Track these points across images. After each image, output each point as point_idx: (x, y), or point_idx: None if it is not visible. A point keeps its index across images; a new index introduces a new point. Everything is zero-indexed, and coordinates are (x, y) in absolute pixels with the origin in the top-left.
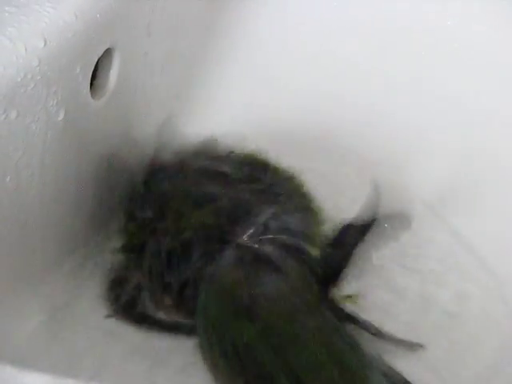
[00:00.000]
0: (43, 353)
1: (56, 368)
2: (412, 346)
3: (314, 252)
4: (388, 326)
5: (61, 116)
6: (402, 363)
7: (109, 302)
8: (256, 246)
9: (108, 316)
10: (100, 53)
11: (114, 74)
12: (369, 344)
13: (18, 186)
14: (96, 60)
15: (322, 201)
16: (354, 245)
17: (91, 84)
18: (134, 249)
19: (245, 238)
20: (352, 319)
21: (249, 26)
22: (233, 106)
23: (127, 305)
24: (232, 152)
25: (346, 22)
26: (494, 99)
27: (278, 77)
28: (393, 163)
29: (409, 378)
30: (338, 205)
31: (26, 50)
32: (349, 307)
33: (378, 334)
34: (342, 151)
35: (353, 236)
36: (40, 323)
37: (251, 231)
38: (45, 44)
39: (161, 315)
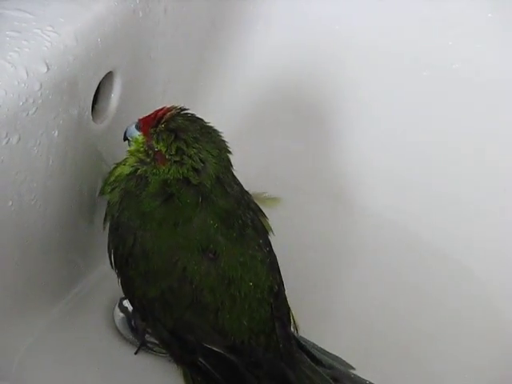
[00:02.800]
0: (42, 381)
1: None
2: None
3: None
4: None
5: (62, 140)
6: None
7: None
8: None
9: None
10: (101, 76)
11: (115, 98)
12: None
13: (21, 210)
14: (97, 84)
15: None
16: None
17: (93, 108)
18: None
19: None
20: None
21: (251, 46)
22: (234, 127)
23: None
24: None
25: (353, 25)
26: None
27: (284, 88)
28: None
29: None
30: None
31: (27, 74)
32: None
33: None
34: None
35: None
36: (39, 350)
37: None
38: (46, 68)
39: None
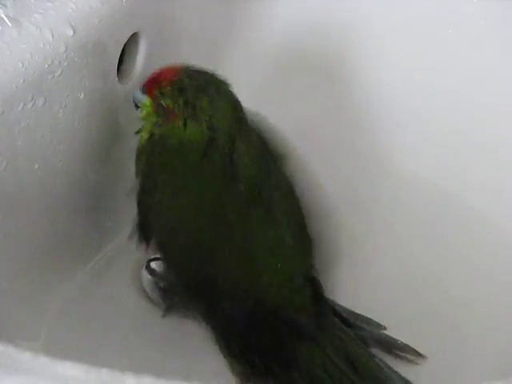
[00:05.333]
0: (71, 344)
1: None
2: (415, 355)
3: None
4: None
5: (88, 102)
6: None
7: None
8: None
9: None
10: (126, 38)
11: (140, 59)
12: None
13: (47, 173)
14: (123, 45)
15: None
16: None
17: (118, 69)
18: None
19: None
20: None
21: (275, 9)
22: (257, 88)
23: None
24: None
25: (362, 21)
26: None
27: (305, 51)
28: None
29: None
30: None
31: (52, 36)
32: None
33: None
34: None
35: None
36: (67, 314)
37: None
38: (71, 30)
39: None
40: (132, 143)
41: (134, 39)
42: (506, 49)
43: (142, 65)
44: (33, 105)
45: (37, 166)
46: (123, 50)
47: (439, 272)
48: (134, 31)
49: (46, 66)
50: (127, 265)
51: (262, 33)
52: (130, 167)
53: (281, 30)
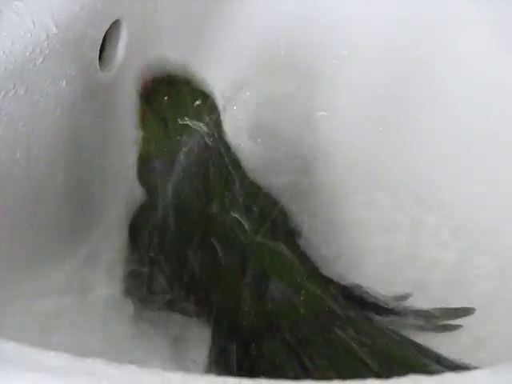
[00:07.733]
0: (55, 334)
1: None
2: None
3: None
4: None
5: (70, 90)
6: None
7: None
8: None
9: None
10: (108, 25)
11: (122, 46)
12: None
13: (29, 161)
14: (104, 32)
15: None
16: None
17: (100, 56)
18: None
19: None
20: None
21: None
22: (239, 73)
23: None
24: None
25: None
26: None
27: (286, 40)
28: None
29: None
30: None
31: (33, 24)
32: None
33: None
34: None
35: None
36: (52, 306)
37: None
38: (53, 18)
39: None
40: (113, 130)
41: (115, 26)
42: None
43: (123, 52)
44: (14, 93)
45: (19, 155)
46: (105, 37)
47: None
48: (116, 18)
49: (27, 54)
50: (113, 254)
51: (243, 25)
52: (112, 154)
53: (264, 23)
